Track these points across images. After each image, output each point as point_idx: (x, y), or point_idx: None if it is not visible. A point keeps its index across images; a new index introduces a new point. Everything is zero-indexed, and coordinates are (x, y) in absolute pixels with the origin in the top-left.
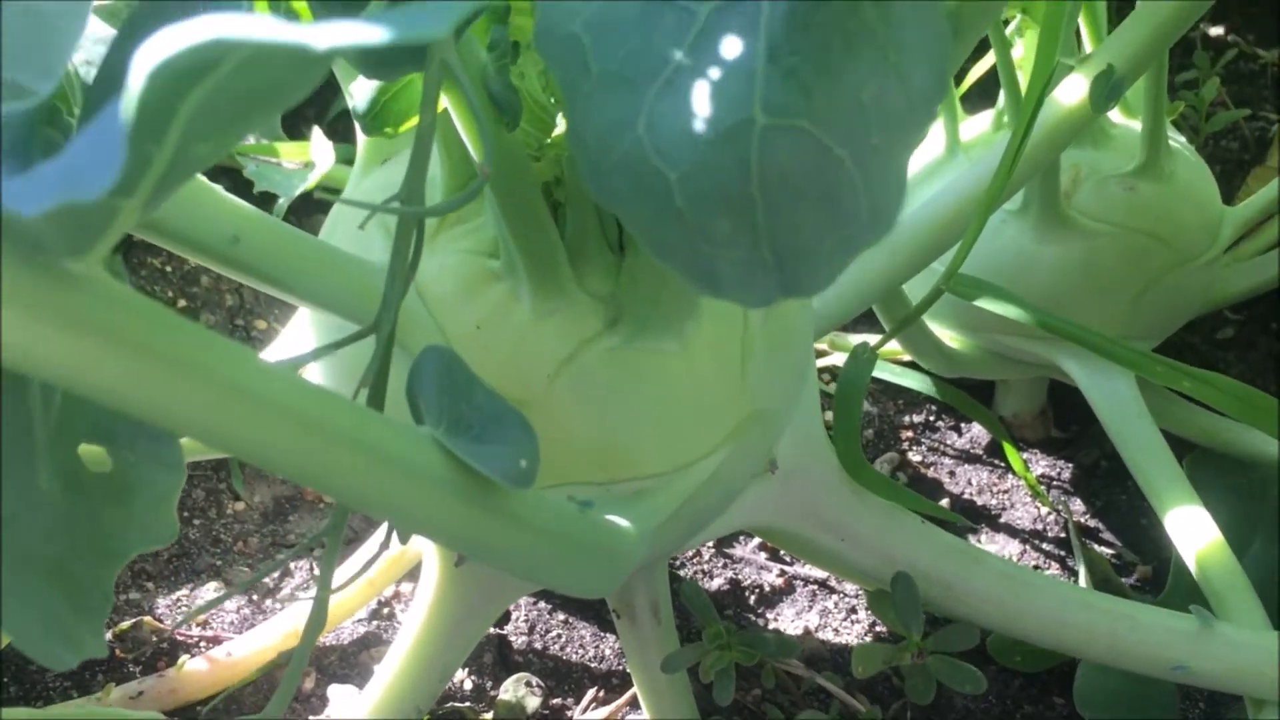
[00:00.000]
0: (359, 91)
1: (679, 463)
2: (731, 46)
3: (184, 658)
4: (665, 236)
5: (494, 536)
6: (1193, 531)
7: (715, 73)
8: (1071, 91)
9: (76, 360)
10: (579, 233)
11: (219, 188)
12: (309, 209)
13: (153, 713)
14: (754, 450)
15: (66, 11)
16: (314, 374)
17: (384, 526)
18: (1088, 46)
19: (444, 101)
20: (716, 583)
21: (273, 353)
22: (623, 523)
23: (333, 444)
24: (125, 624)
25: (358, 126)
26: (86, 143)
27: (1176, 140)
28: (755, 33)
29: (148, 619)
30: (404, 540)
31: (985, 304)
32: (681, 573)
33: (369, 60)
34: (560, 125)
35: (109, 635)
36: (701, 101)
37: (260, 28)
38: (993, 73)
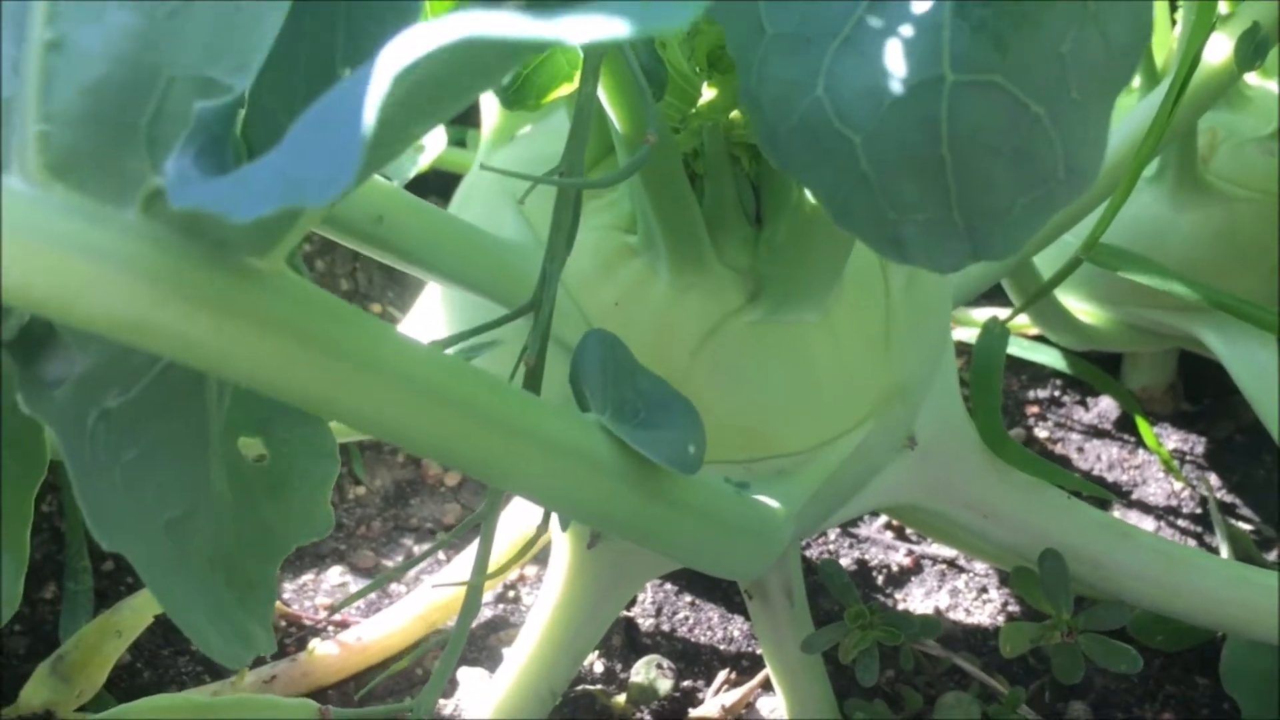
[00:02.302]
0: None
1: (822, 439)
2: None
3: (314, 642)
4: (849, 202)
5: (659, 522)
6: None
7: (898, 28)
8: (1215, 51)
9: (264, 358)
10: (717, 205)
11: None
12: (420, 190)
13: (305, 700)
14: (895, 425)
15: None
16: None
17: (510, 511)
18: (1223, 7)
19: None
20: (844, 562)
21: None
22: (773, 503)
23: (509, 435)
24: None
25: (493, 101)
26: (304, 144)
27: None
28: None
29: (276, 604)
30: (565, 527)
31: (1129, 274)
32: (808, 554)
33: None
34: (705, 94)
35: None
36: (884, 59)
37: (514, 25)
38: None
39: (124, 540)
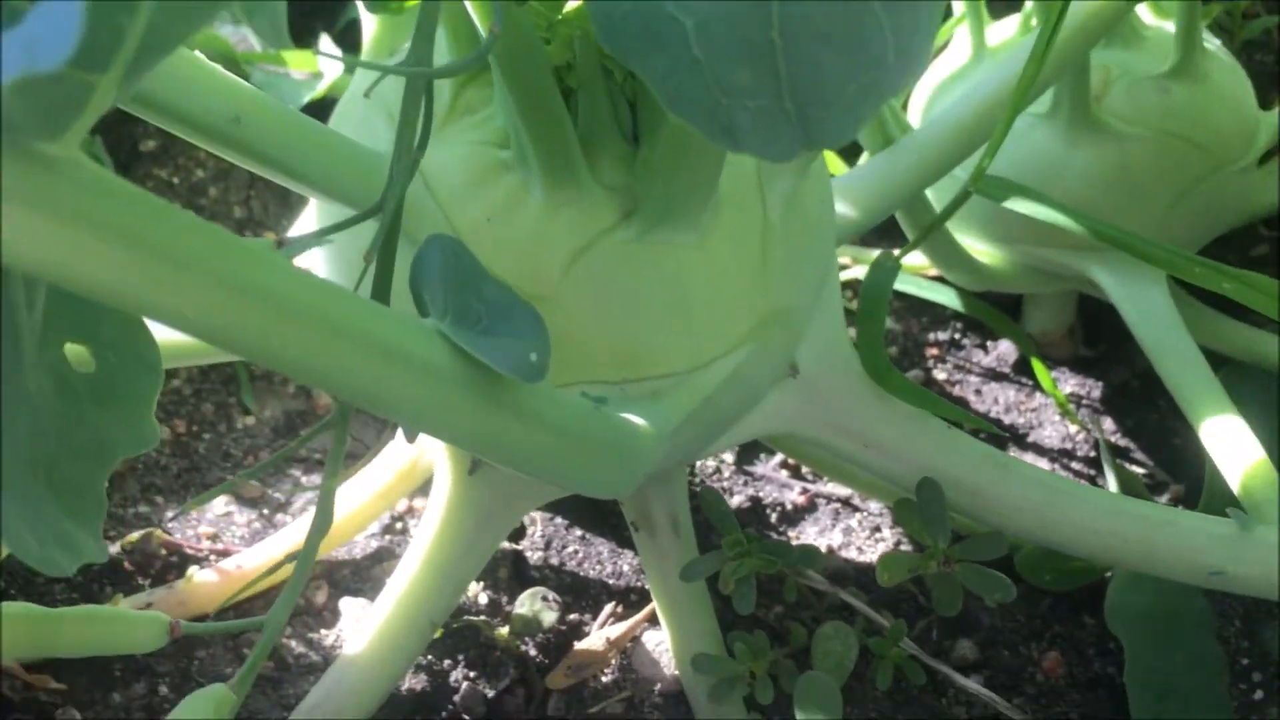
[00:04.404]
0: None
1: (697, 361)
2: None
3: (192, 569)
4: (681, 88)
5: (504, 433)
6: (1229, 442)
7: None
8: None
9: (53, 248)
10: (592, 121)
11: (220, 68)
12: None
13: (155, 613)
14: (775, 351)
15: None
16: (321, 274)
17: (397, 440)
18: None
19: None
20: (737, 500)
21: None
22: (639, 421)
23: (330, 336)
24: (134, 536)
25: (361, 8)
26: (46, 10)
27: (1211, 43)
28: None
29: (157, 532)
30: (410, 439)
31: (1015, 205)
32: (712, 488)
33: None
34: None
35: (116, 548)
36: None
37: None
38: None
39: None
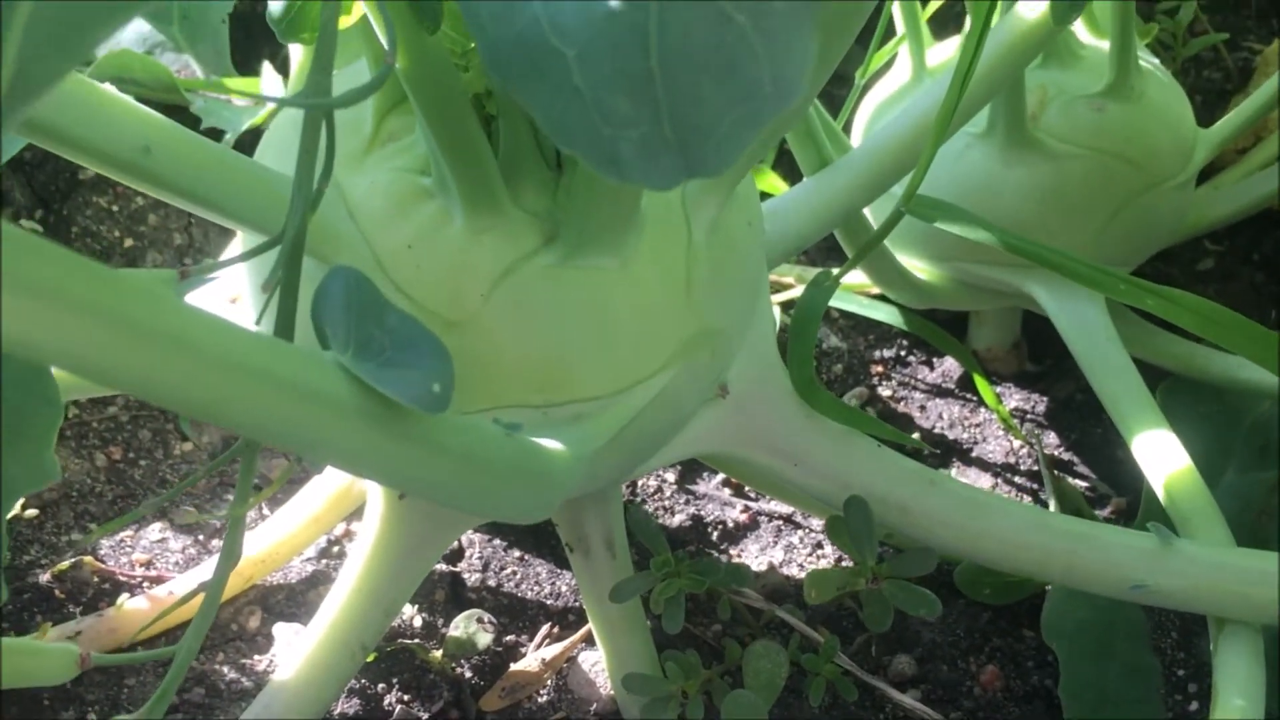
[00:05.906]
0: None
1: (621, 384)
2: None
3: (123, 597)
4: (565, 118)
5: (411, 464)
6: (1160, 455)
7: None
8: (1033, 6)
9: None
10: (513, 148)
11: (129, 98)
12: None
13: (67, 645)
14: (702, 372)
15: None
16: (248, 308)
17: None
18: None
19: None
20: (679, 519)
21: (209, 289)
22: (555, 445)
23: (224, 373)
24: (65, 564)
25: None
26: None
27: (1149, 61)
28: None
29: (88, 559)
30: (317, 470)
31: (945, 226)
32: (644, 509)
33: None
34: None
35: (47, 576)
36: None
37: None
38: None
39: None
